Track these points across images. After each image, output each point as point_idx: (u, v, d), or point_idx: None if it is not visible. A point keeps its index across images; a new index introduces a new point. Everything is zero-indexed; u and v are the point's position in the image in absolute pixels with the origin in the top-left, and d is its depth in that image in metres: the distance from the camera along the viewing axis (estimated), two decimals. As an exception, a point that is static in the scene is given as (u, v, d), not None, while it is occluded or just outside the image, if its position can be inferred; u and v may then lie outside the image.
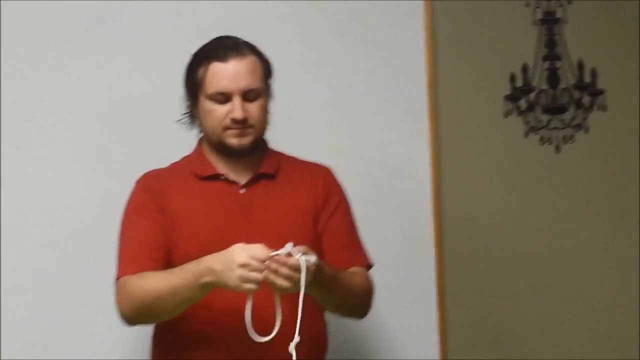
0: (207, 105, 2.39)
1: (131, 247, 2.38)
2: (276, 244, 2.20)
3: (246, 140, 2.39)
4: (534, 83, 3.01)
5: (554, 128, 3.04)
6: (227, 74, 2.38)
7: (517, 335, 3.14)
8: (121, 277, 2.33)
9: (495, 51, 3.05)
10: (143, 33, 2.89)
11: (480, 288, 3.08)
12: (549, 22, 3.02)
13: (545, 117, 3.03)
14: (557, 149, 3.05)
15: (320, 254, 2.33)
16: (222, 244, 2.24)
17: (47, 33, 2.85)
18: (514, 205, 3.10)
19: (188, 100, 2.46)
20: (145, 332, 2.47)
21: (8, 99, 2.83)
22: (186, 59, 2.43)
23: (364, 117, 2.95)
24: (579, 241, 3.15)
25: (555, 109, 3.04)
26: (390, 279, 2.86)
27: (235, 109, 2.37)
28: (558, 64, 3.03)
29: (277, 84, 2.46)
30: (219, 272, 2.17)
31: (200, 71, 2.39)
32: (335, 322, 2.47)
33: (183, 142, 2.51)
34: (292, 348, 2.16)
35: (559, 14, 3.03)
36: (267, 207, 2.42)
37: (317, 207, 2.47)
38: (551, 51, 3.02)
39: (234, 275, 2.13)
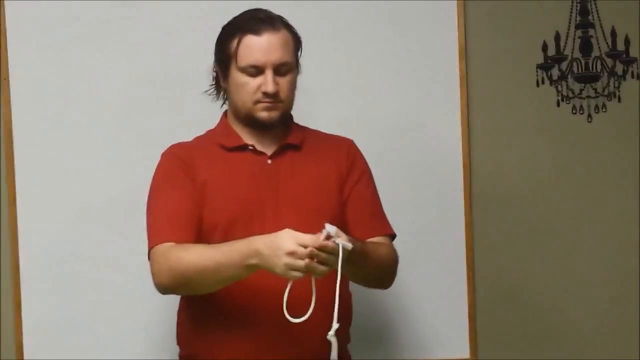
0: (238, 77, 2.38)
1: (166, 215, 2.35)
2: (303, 214, 2.33)
3: (275, 114, 2.40)
4: (567, 51, 2.96)
5: (586, 97, 2.97)
6: (260, 47, 2.36)
7: (543, 305, 3.20)
8: (157, 244, 2.31)
9: (528, 20, 3.08)
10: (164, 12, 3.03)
11: (509, 257, 3.18)
12: (582, -11, 2.93)
13: (577, 86, 2.97)
14: (589, 117, 2.99)
15: (344, 222, 2.42)
16: (251, 214, 2.34)
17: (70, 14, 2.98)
18: (545, 175, 3.13)
19: (217, 72, 2.47)
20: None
21: (30, 79, 2.97)
22: (207, 37, 2.48)
23: (395, 87, 3.11)
24: (610, 210, 3.07)
25: (587, 78, 2.96)
26: (421, 248, 3.06)
27: (268, 82, 2.36)
28: (591, 31, 2.93)
29: (311, 59, 2.51)
30: (266, 256, 2.15)
31: (233, 43, 2.37)
32: (365, 293, 2.52)
33: (205, 118, 2.55)
34: (331, 335, 2.16)
35: (591, -19, 2.93)
36: (294, 177, 2.42)
37: (342, 176, 2.48)
38: (584, 19, 2.93)
39: (280, 262, 2.13)
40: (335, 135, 2.56)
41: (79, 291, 2.99)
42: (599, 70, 2.96)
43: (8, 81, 2.96)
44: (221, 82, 2.46)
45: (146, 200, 2.42)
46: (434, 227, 3.12)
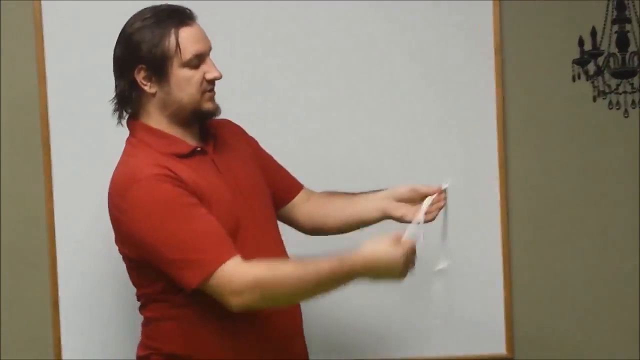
0: (182, 73, 2.32)
1: (211, 233, 2.25)
2: (259, 197, 2.45)
3: (216, 103, 2.41)
4: (603, 46, 2.94)
5: (623, 92, 2.95)
6: (197, 35, 2.35)
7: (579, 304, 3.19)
8: (223, 263, 2.22)
9: (564, 14, 3.06)
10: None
11: (545, 255, 3.18)
12: (619, -16, 2.91)
13: (614, 81, 2.95)
14: (626, 113, 2.96)
15: (272, 187, 2.56)
16: (240, 213, 2.37)
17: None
18: (581, 170, 3.10)
19: (131, 81, 2.35)
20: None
21: (66, 75, 3.00)
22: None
23: (430, 82, 3.13)
24: None
25: (624, 73, 2.93)
26: (457, 244, 2.98)
27: (212, 69, 2.36)
28: (627, 27, 2.90)
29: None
30: (377, 273, 2.22)
31: (169, 40, 2.31)
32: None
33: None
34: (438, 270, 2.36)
35: (629, -25, 2.90)
36: (229, 165, 2.43)
37: (251, 149, 2.57)
38: (621, 14, 2.90)
39: (397, 273, 2.22)
40: (213, 120, 2.50)
41: (117, 288, 3.00)
42: (635, 65, 2.93)
43: (45, 77, 3.00)
44: (147, 88, 2.35)
45: (152, 235, 2.25)
46: (470, 226, 3.14)
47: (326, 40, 3.09)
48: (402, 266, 2.19)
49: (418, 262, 2.25)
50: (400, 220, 2.50)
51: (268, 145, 2.69)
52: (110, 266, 2.91)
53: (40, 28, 2.99)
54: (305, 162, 2.99)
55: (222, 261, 2.21)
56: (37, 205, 2.99)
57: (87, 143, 3.03)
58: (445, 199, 2.46)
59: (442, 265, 2.33)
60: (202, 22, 2.36)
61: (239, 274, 2.21)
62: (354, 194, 2.65)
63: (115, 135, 2.46)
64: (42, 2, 3.00)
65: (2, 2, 2.98)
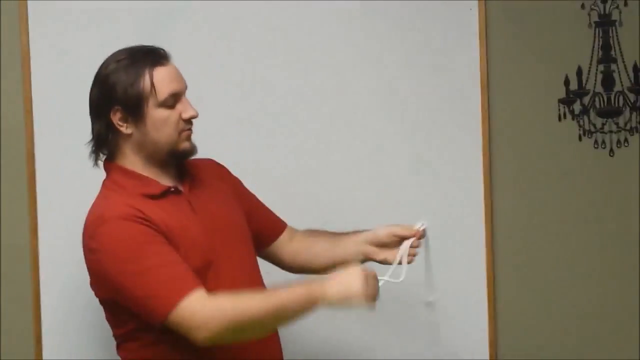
0: (159, 113, 2.32)
1: (177, 267, 2.25)
2: (238, 237, 2.44)
3: (192, 142, 2.40)
4: (589, 86, 2.96)
5: (609, 131, 2.97)
6: (172, 75, 2.35)
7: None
8: (187, 295, 2.21)
9: (550, 54, 3.09)
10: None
11: (529, 266, 3.19)
12: (605, 24, 2.91)
13: (599, 121, 2.97)
14: (611, 152, 2.98)
15: (257, 227, 2.57)
16: (211, 253, 2.35)
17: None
18: (566, 209, 3.11)
19: (107, 124, 2.34)
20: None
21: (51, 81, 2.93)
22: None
23: (417, 117, 3.12)
24: (629, 220, 3.08)
25: (609, 112, 2.95)
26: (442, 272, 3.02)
27: (188, 107, 2.36)
28: (613, 66, 2.93)
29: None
30: (334, 286, 2.27)
31: (144, 81, 2.30)
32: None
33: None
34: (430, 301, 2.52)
35: (614, 17, 2.91)
36: (205, 205, 2.42)
37: (233, 188, 2.57)
38: (606, 54, 2.93)
39: (357, 284, 2.25)
40: (193, 159, 2.50)
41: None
42: (621, 104, 2.96)
43: (30, 85, 2.96)
44: (124, 130, 2.34)
45: (118, 274, 2.25)
46: (455, 237, 3.14)
47: (302, 53, 3.10)
48: (362, 281, 2.24)
49: (400, 297, 2.32)
50: (383, 263, 2.56)
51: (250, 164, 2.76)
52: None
53: (27, 55, 2.96)
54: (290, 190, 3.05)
55: (184, 294, 2.21)
56: (19, 209, 2.97)
57: (73, 157, 2.86)
58: (424, 237, 2.52)
59: (431, 298, 2.44)
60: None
61: (201, 306, 2.22)
62: (335, 235, 2.67)
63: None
64: (30, 35, 2.95)
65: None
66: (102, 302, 2.43)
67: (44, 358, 2.97)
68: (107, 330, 2.49)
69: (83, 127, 2.46)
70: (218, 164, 2.62)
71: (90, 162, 2.46)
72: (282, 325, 2.31)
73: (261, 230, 2.63)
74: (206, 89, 2.91)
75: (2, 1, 2.93)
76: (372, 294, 2.29)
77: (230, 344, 2.31)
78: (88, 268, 2.38)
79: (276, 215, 2.71)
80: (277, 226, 2.70)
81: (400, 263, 2.46)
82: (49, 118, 2.96)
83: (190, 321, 2.21)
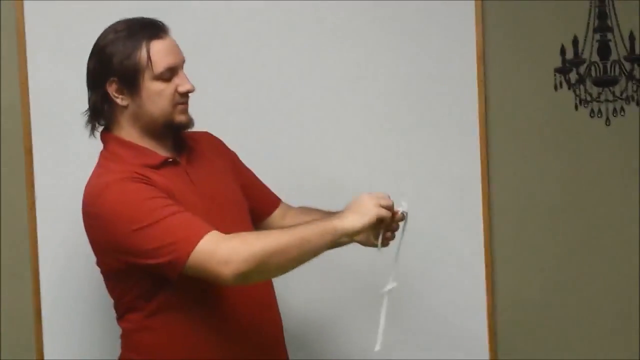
0: (154, 86, 2.34)
1: (182, 219, 2.26)
2: (235, 210, 2.47)
3: (189, 115, 2.43)
4: (584, 55, 2.96)
5: (605, 100, 2.97)
6: (169, 49, 2.37)
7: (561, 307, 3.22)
8: (204, 234, 2.22)
9: (545, 23, 3.08)
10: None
11: (528, 263, 3.19)
12: (600, -7, 2.93)
13: (595, 90, 2.97)
14: (608, 121, 2.98)
15: (251, 201, 2.59)
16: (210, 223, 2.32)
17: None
18: (563, 178, 3.11)
19: (103, 94, 2.37)
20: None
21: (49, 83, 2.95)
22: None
23: (414, 89, 3.14)
24: (628, 215, 3.06)
25: (605, 81, 2.95)
26: (440, 251, 3.13)
27: (184, 81, 2.39)
28: (609, 35, 2.92)
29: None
30: (350, 211, 2.30)
31: (141, 53, 2.33)
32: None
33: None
34: (385, 292, 2.37)
35: (610, -15, 2.92)
36: (203, 177, 2.45)
37: (230, 163, 2.60)
38: (602, 23, 2.92)
39: (370, 204, 2.30)
40: (192, 132, 2.53)
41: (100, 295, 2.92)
42: (617, 74, 2.95)
43: (27, 85, 2.97)
44: (119, 101, 2.37)
45: (127, 232, 2.25)
46: (454, 233, 3.15)
47: (303, 53, 3.12)
48: (371, 199, 2.29)
49: (397, 296, 2.37)
50: (364, 245, 2.50)
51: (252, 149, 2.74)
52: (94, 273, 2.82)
53: (24, 55, 2.97)
54: (286, 169, 3.07)
55: (201, 236, 2.22)
56: (19, 212, 2.97)
57: (70, 152, 2.98)
58: (403, 221, 2.43)
59: (390, 286, 2.36)
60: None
61: (222, 242, 2.22)
62: (326, 214, 2.65)
63: (99, 145, 2.47)
64: (27, 34, 2.96)
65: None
66: (108, 273, 2.43)
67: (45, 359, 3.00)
68: (108, 328, 2.51)
69: (80, 125, 2.51)
70: (214, 137, 2.64)
71: (90, 161, 2.49)
72: (306, 259, 2.27)
73: (255, 205, 2.64)
74: (208, 84, 2.88)
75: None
76: (386, 204, 2.32)
77: (234, 320, 2.35)
78: (92, 238, 2.39)
79: (271, 191, 2.73)
80: (271, 202, 2.72)
81: (376, 245, 2.40)
82: (46, 116, 2.98)
83: (213, 259, 2.20)
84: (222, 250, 2.20)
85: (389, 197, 2.35)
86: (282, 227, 2.55)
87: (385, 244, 2.40)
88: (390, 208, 2.34)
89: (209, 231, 2.23)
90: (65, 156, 2.97)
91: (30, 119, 2.96)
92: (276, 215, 2.72)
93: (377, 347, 2.37)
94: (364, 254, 2.49)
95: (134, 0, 2.87)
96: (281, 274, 2.31)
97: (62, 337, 2.99)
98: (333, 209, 2.52)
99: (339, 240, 2.29)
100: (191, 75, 2.44)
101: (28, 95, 2.95)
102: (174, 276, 2.26)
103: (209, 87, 2.74)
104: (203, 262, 2.21)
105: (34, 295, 2.99)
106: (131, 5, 2.85)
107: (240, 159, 2.70)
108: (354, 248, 2.41)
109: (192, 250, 2.20)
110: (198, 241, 2.21)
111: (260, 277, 2.32)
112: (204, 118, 2.51)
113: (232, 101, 3.05)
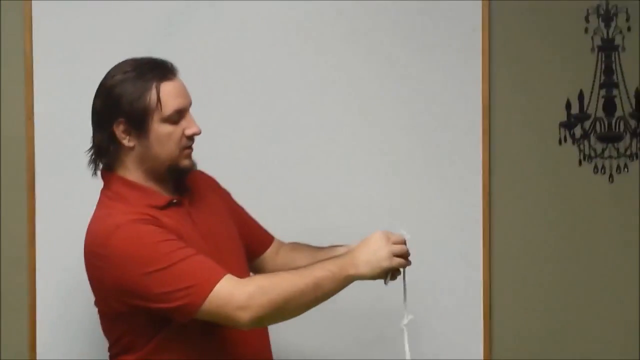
0: (162, 129, 2.31)
1: (197, 262, 2.24)
2: (233, 251, 2.44)
3: (192, 159, 2.40)
4: (590, 110, 2.96)
5: (609, 157, 2.97)
6: (179, 91, 2.34)
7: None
8: (219, 280, 2.21)
9: (552, 77, 3.06)
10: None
11: (527, 308, 3.14)
12: (608, 49, 2.92)
13: (599, 146, 2.97)
14: (611, 178, 2.98)
15: (246, 240, 2.56)
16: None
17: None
18: (565, 234, 3.09)
19: (110, 134, 2.33)
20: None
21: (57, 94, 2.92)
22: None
23: (419, 136, 3.08)
24: (630, 269, 3.06)
25: (610, 137, 2.96)
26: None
27: (192, 124, 2.36)
28: (615, 92, 2.93)
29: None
30: (366, 261, 2.27)
31: (151, 95, 2.29)
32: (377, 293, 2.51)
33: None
34: (404, 325, 2.35)
35: (617, 42, 2.92)
36: (204, 219, 2.43)
37: (224, 202, 2.57)
38: (608, 79, 2.93)
39: (384, 253, 2.27)
40: None
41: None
42: (621, 130, 2.96)
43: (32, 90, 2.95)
44: (126, 142, 2.33)
45: (139, 275, 2.21)
46: (454, 278, 3.11)
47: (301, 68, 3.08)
48: (385, 243, 2.28)
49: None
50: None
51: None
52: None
53: (30, 69, 2.96)
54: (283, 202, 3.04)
55: (217, 280, 2.20)
56: (18, 218, 2.94)
57: (72, 149, 2.85)
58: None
59: (407, 319, 2.34)
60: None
61: (239, 287, 2.21)
62: (317, 249, 2.65)
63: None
64: (34, 47, 2.94)
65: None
66: (107, 314, 2.40)
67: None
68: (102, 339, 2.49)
69: (85, 132, 2.44)
70: (208, 176, 2.61)
71: (90, 170, 2.45)
72: (319, 303, 2.27)
73: (250, 243, 2.61)
74: (213, 90, 2.96)
75: (4, 1, 2.93)
76: (401, 252, 2.31)
77: (223, 346, 2.33)
78: (96, 279, 2.34)
79: (264, 229, 2.71)
80: (265, 240, 2.70)
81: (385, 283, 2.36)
82: (50, 123, 2.96)
83: (230, 304, 2.19)
84: (240, 297, 2.19)
85: (404, 239, 2.34)
86: (286, 267, 2.54)
87: (393, 278, 2.35)
88: (405, 255, 2.33)
89: (223, 275, 2.22)
90: (69, 166, 2.91)
91: (34, 151, 2.96)
92: (270, 253, 2.68)
93: (406, 321, 2.36)
94: (360, 297, 2.47)
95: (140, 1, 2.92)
96: (294, 317, 2.30)
97: (56, 339, 2.97)
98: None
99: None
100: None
101: (33, 127, 2.95)
102: (185, 320, 2.25)
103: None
104: (219, 307, 2.20)
105: (30, 309, 2.95)
106: (136, 8, 2.96)
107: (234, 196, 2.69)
108: (350, 291, 2.39)
109: (208, 295, 2.19)
110: (214, 286, 2.20)
111: (275, 321, 2.32)
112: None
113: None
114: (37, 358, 2.95)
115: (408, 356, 2.35)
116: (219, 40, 3.02)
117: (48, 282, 2.94)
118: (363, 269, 2.27)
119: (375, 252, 2.28)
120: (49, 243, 2.95)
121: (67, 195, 2.94)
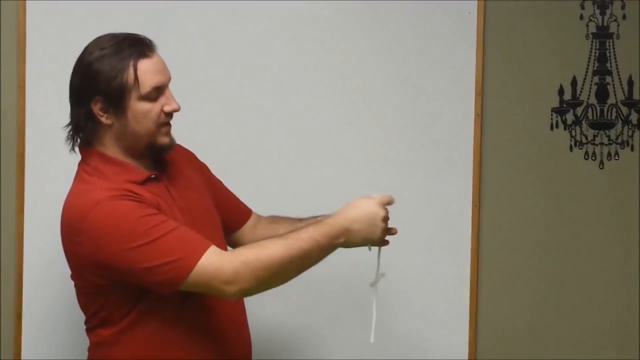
0: (140, 106, 2.28)
1: (179, 235, 2.22)
2: (210, 225, 2.41)
3: (172, 136, 2.38)
4: (582, 97, 2.98)
5: (600, 144, 2.99)
6: (157, 67, 2.30)
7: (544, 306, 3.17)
8: (204, 251, 2.20)
9: (546, 63, 3.05)
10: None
11: (516, 304, 3.15)
12: (602, 36, 2.95)
13: (591, 132, 2.99)
14: (601, 164, 3.00)
15: (223, 212, 2.54)
16: None
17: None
18: (554, 219, 3.09)
19: (86, 112, 2.29)
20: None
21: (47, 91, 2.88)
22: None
23: (410, 122, 3.06)
24: (619, 258, 3.07)
25: (602, 124, 2.98)
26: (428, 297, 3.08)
27: (171, 101, 2.33)
28: (608, 79, 2.96)
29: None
30: (357, 230, 2.26)
31: (128, 72, 2.26)
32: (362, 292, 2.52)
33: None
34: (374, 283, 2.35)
35: (612, 29, 2.94)
36: (182, 193, 2.42)
37: (202, 176, 2.56)
38: (602, 66, 2.96)
39: (379, 230, 2.26)
40: None
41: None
42: (613, 117, 2.98)
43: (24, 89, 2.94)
44: (104, 120, 2.29)
45: (121, 251, 2.19)
46: (441, 271, 3.10)
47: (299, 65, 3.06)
48: (383, 222, 2.27)
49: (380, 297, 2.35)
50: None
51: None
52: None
53: (23, 56, 2.93)
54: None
55: (202, 252, 2.19)
56: (7, 213, 2.94)
57: (61, 157, 2.89)
58: None
59: (377, 278, 2.35)
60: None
61: (223, 260, 2.20)
62: (295, 221, 2.63)
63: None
64: (27, 34, 2.90)
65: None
66: (85, 288, 2.37)
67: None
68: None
69: None
70: (186, 150, 2.57)
71: (68, 146, 2.41)
72: (305, 270, 2.27)
73: (228, 217, 2.60)
74: (207, 84, 2.94)
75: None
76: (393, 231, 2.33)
77: (199, 326, 2.34)
78: (74, 254, 2.31)
79: (241, 202, 2.70)
80: (243, 213, 2.68)
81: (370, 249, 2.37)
82: (42, 119, 2.93)
83: (217, 278, 2.19)
84: (226, 271, 2.19)
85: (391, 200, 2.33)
86: (271, 236, 2.45)
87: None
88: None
89: (208, 246, 2.21)
90: (60, 159, 2.83)
91: (25, 123, 2.94)
92: (248, 226, 2.67)
93: (372, 340, 2.36)
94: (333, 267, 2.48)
95: (137, 0, 2.88)
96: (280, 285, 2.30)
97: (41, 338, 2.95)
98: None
99: None
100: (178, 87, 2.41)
101: (24, 99, 2.93)
102: (168, 292, 2.23)
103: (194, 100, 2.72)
104: (205, 280, 2.20)
105: (16, 295, 2.97)
106: (130, 5, 2.91)
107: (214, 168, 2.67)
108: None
109: (193, 268, 2.18)
110: (199, 258, 2.19)
111: (260, 291, 2.29)
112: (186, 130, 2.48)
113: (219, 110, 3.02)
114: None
115: (374, 316, 2.35)
116: (218, 36, 2.99)
117: (34, 250, 2.92)
118: (356, 238, 2.27)
119: (371, 222, 2.27)
120: (37, 217, 2.93)
121: (57, 190, 2.90)
